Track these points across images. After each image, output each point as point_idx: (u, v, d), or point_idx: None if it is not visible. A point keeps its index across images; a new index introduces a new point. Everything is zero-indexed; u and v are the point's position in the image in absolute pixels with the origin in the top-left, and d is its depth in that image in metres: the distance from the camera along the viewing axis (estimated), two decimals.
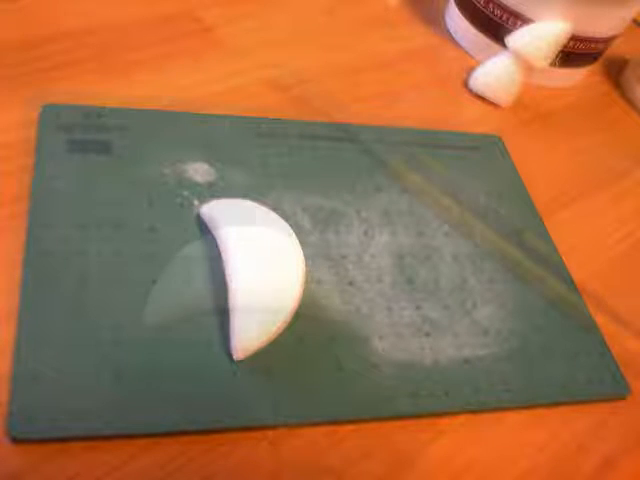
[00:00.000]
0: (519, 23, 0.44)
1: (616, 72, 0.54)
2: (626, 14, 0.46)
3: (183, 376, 0.26)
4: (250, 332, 0.27)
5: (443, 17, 0.52)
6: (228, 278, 0.27)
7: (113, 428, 0.24)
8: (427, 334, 0.30)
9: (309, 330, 0.28)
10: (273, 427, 0.26)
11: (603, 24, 0.45)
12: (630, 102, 0.51)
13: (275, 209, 0.33)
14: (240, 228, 0.29)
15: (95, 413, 0.24)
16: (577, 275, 0.35)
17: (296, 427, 0.26)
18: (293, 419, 0.26)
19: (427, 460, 0.27)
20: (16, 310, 0.26)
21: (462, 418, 0.28)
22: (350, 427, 0.27)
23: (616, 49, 0.52)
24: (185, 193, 0.32)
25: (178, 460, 0.24)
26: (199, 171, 0.34)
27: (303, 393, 0.27)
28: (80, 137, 0.33)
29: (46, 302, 0.26)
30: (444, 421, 0.28)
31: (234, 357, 0.27)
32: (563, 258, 0.36)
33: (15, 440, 0.23)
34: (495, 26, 0.46)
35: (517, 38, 0.43)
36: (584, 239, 0.39)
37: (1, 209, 0.29)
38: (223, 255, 0.28)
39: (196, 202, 0.32)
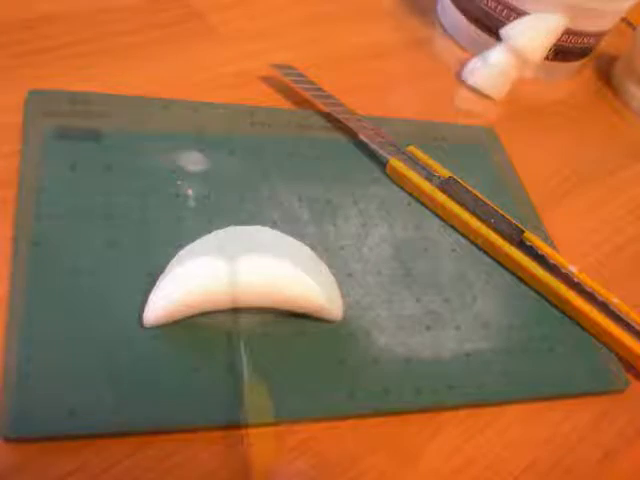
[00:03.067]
0: (513, 16, 0.44)
1: (607, 68, 0.54)
2: (620, 9, 0.46)
3: (181, 374, 0.25)
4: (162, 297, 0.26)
5: (436, 10, 0.52)
6: None
7: (108, 426, 0.23)
8: (428, 327, 0.29)
9: (309, 324, 0.28)
10: (274, 423, 0.25)
11: (597, 18, 0.45)
12: (620, 98, 0.51)
13: (269, 198, 0.32)
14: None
15: (90, 411, 0.23)
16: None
17: (297, 423, 0.25)
18: (293, 415, 0.25)
19: (430, 455, 0.26)
20: (6, 305, 0.25)
21: (464, 412, 0.28)
22: (352, 422, 0.26)
23: (607, 45, 0.52)
24: (178, 182, 0.31)
25: (176, 456, 0.24)
26: (192, 160, 0.33)
27: (304, 388, 0.26)
28: (67, 124, 0.31)
29: (37, 297, 0.25)
30: (446, 415, 0.27)
31: (144, 322, 0.26)
32: (560, 252, 0.36)
33: (8, 439, 0.22)
34: (489, 19, 0.46)
35: (512, 30, 0.42)
36: (578, 233, 0.38)
37: None
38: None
39: (190, 192, 0.31)
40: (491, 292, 0.32)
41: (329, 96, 0.38)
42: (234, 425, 0.25)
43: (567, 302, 0.32)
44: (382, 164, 0.36)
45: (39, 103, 0.32)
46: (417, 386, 0.27)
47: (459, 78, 0.46)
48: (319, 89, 0.38)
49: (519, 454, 0.27)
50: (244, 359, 0.25)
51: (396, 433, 0.26)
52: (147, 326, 0.26)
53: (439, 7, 0.52)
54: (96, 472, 0.23)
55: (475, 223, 0.34)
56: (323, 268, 0.29)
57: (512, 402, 0.29)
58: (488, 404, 0.28)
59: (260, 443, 0.25)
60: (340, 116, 0.37)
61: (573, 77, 0.51)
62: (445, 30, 0.50)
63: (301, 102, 0.39)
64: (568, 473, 0.27)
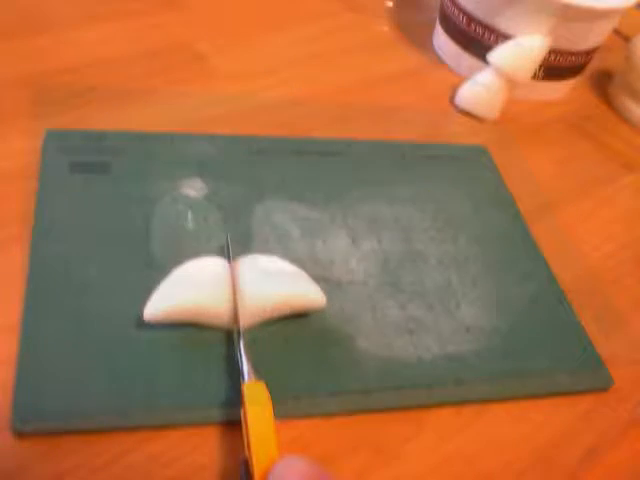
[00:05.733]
0: (500, 40, 0.46)
1: (604, 82, 0.55)
2: (604, 28, 0.47)
3: (181, 372, 0.27)
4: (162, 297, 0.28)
5: (432, 39, 0.55)
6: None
7: (108, 423, 0.25)
8: (411, 332, 0.31)
9: (295, 330, 0.30)
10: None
11: (582, 38, 0.47)
12: (618, 112, 0.52)
13: (264, 219, 0.34)
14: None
15: (90, 408, 0.25)
16: (563, 276, 0.36)
17: (282, 421, 0.27)
18: (280, 414, 0.27)
19: (411, 452, 0.27)
20: (21, 318, 0.27)
21: (447, 411, 0.29)
22: (338, 420, 0.28)
23: (603, 60, 0.53)
24: (180, 207, 0.34)
25: (175, 453, 0.25)
26: (193, 186, 0.36)
27: (297, 387, 0.28)
28: (81, 159, 0.35)
29: (47, 311, 0.28)
30: (428, 413, 0.29)
31: (144, 321, 0.27)
32: (549, 261, 0.37)
33: (10, 437, 0.24)
34: (478, 44, 0.48)
35: (497, 54, 0.45)
36: (569, 243, 0.40)
37: (9, 227, 0.31)
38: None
39: (190, 215, 0.34)
40: (475, 298, 0.34)
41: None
42: (233, 423, 0.26)
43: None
44: (370, 179, 0.38)
45: (55, 141, 0.35)
46: (399, 386, 0.29)
47: (452, 102, 0.48)
48: None
49: (500, 451, 0.28)
50: (243, 358, 0.27)
51: (380, 430, 0.28)
52: (147, 326, 0.28)
53: (434, 38, 0.54)
54: (96, 468, 0.24)
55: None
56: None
57: (493, 401, 0.30)
58: (470, 403, 0.29)
59: (259, 441, 0.26)
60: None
61: (568, 94, 0.53)
62: (440, 59, 0.53)
63: (296, 131, 0.41)
64: (549, 471, 0.28)
